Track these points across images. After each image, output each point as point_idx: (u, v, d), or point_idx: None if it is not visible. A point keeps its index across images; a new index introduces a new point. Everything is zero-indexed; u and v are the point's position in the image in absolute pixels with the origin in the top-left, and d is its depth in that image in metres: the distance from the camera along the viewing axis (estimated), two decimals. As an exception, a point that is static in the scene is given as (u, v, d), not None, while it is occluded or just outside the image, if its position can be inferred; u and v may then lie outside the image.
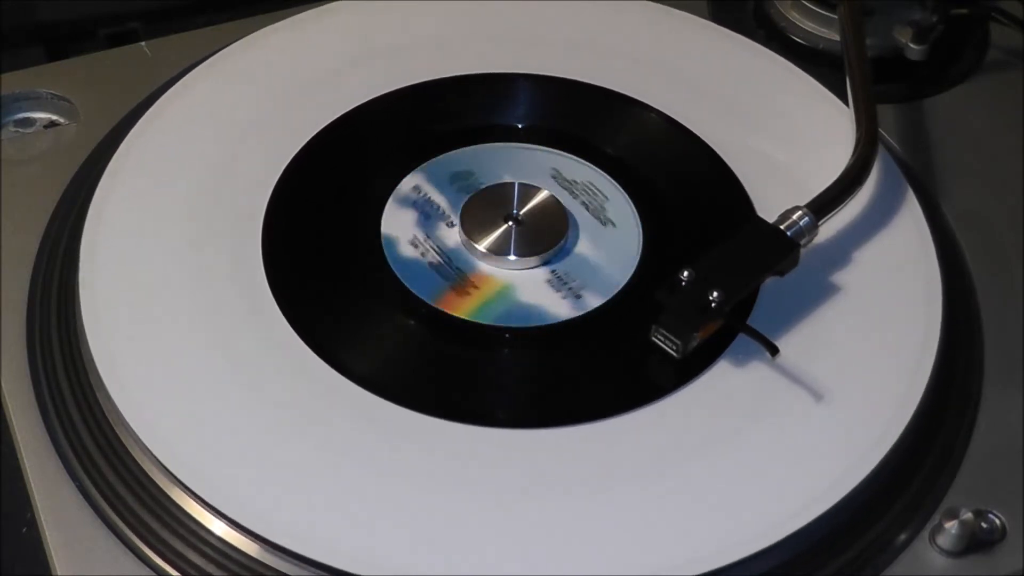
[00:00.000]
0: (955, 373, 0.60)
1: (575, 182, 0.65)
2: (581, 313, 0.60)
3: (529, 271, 0.61)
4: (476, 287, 0.61)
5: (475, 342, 0.59)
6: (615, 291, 0.60)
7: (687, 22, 0.73)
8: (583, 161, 0.66)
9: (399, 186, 0.64)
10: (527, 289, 0.61)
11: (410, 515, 0.53)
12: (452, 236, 0.63)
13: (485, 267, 0.62)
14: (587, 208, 0.64)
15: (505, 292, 0.61)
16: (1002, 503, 0.56)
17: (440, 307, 0.60)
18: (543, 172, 0.65)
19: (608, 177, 0.65)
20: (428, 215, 0.64)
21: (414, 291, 0.60)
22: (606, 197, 0.64)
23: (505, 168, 0.66)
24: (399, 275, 0.61)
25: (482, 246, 0.62)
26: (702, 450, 0.55)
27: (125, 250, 0.61)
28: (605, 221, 0.63)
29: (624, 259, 0.62)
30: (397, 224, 0.63)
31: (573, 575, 0.52)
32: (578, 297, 0.60)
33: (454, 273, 0.61)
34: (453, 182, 0.65)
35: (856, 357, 0.59)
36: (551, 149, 0.66)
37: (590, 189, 0.64)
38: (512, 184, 0.64)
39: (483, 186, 0.64)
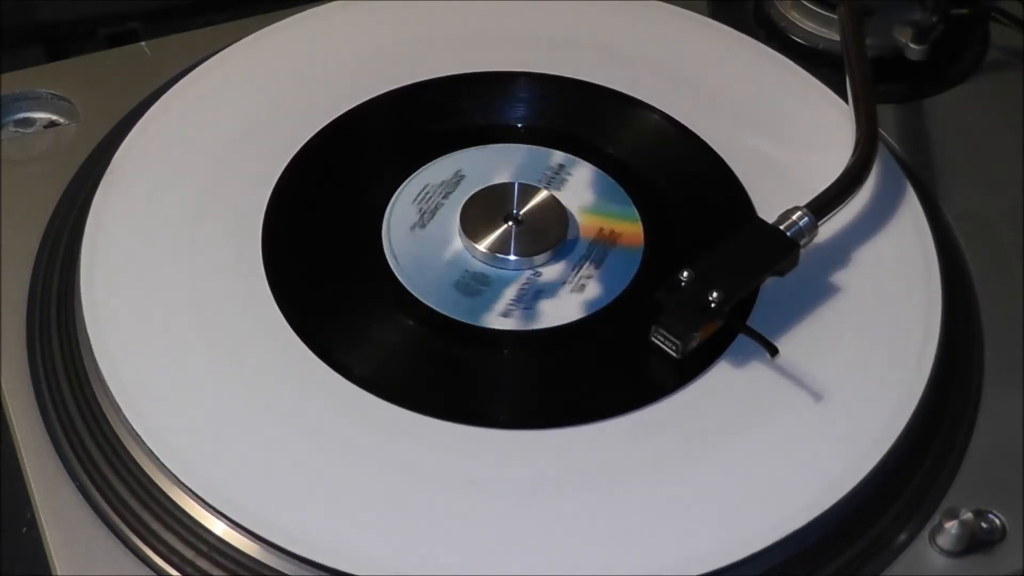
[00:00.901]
0: (955, 373, 0.60)
1: (572, 175, 0.65)
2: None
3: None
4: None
5: (475, 343, 0.59)
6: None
7: (688, 21, 0.73)
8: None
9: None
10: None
11: (410, 516, 0.53)
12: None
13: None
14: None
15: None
16: (1002, 503, 0.56)
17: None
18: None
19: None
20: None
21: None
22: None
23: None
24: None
25: (482, 246, 0.62)
26: (702, 450, 0.55)
27: (125, 250, 0.61)
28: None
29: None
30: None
31: (573, 575, 0.52)
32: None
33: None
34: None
35: (856, 357, 0.59)
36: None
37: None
38: (512, 184, 0.64)
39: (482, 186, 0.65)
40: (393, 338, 0.59)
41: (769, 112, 0.69)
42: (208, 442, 0.55)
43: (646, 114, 0.68)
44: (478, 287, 0.61)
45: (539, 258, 0.62)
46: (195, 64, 0.69)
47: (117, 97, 0.69)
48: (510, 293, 0.61)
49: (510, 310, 0.60)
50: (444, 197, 0.64)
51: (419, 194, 0.64)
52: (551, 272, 0.62)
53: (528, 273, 0.62)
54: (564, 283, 0.61)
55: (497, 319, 0.60)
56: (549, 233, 0.63)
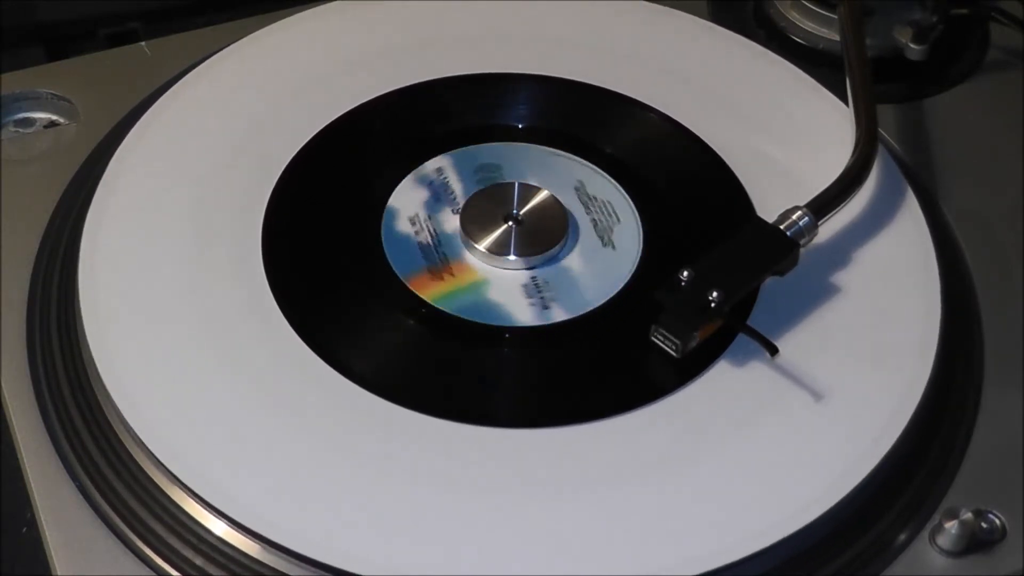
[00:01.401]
0: (955, 373, 0.60)
1: (594, 198, 0.64)
2: (542, 323, 0.59)
3: (511, 271, 0.61)
4: (452, 275, 0.61)
5: (476, 342, 0.59)
6: (584, 310, 0.60)
7: (687, 22, 0.73)
8: (611, 180, 0.65)
9: (423, 165, 0.65)
10: (500, 288, 0.61)
11: (410, 515, 0.53)
12: (453, 222, 0.63)
13: (469, 258, 0.62)
14: (595, 226, 0.63)
15: (477, 286, 0.61)
16: (1002, 503, 0.56)
17: (409, 285, 0.60)
18: (568, 182, 0.65)
19: (628, 200, 0.64)
20: (439, 198, 0.64)
21: (393, 265, 0.61)
22: (618, 220, 0.63)
23: (532, 170, 0.65)
24: (399, 276, 0.61)
25: (482, 246, 0.62)
26: (702, 450, 0.55)
27: (125, 250, 0.61)
28: (607, 243, 0.63)
29: (607, 283, 0.61)
30: (406, 199, 0.63)
31: (573, 575, 0.52)
32: (546, 308, 0.60)
33: (437, 257, 0.61)
34: (477, 172, 0.65)
35: (856, 357, 0.59)
36: (584, 161, 0.66)
37: (606, 209, 0.64)
38: (512, 184, 0.64)
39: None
40: (393, 337, 0.59)
41: (769, 112, 0.69)
42: (208, 442, 0.55)
43: (646, 114, 0.68)
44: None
45: (539, 258, 0.62)
46: (195, 64, 0.69)
47: (117, 97, 0.69)
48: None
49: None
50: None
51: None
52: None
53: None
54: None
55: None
56: (549, 233, 0.63)
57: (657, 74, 0.70)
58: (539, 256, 0.62)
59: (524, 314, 0.60)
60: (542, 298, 0.60)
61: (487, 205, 0.63)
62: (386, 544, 0.52)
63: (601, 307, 0.60)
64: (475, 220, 0.63)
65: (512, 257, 0.62)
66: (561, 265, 0.62)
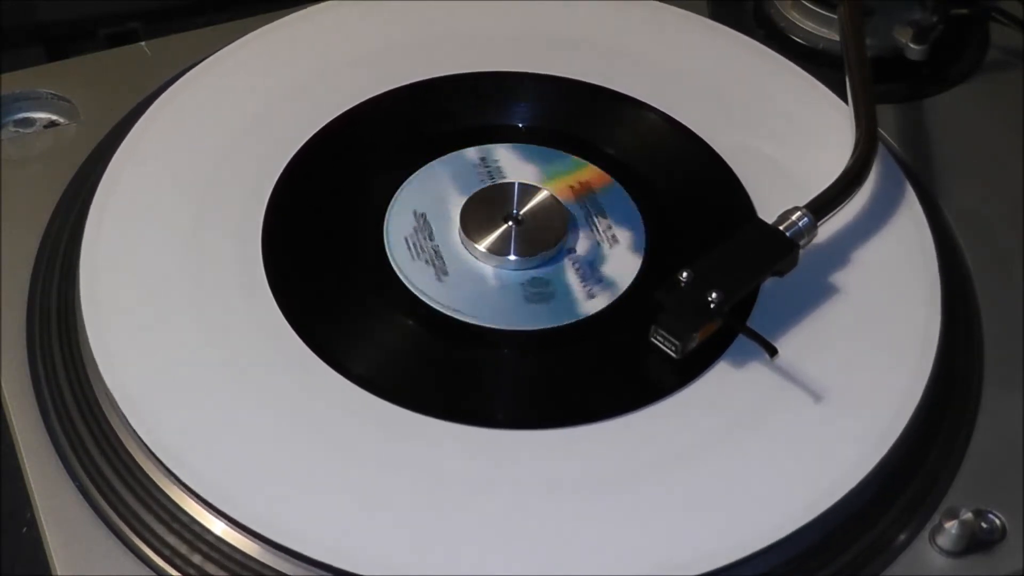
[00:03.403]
0: (955, 373, 0.60)
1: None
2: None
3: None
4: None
5: (476, 342, 0.59)
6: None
7: (687, 21, 0.73)
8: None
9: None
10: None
11: (410, 515, 0.53)
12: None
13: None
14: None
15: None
16: (1002, 503, 0.56)
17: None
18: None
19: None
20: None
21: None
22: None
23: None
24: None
25: (482, 246, 0.62)
26: (702, 450, 0.55)
27: (125, 250, 0.61)
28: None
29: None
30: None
31: (573, 575, 0.52)
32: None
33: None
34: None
35: (856, 357, 0.59)
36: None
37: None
38: (512, 184, 0.64)
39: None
40: (393, 337, 0.59)
41: (769, 112, 0.69)
42: (208, 442, 0.55)
43: (646, 114, 0.68)
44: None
45: (539, 258, 0.62)
46: (195, 64, 0.69)
47: (117, 97, 0.69)
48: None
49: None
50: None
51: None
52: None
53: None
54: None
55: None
56: (549, 233, 0.62)
57: (657, 74, 0.70)
58: (539, 256, 0.62)
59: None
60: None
61: (487, 205, 0.63)
62: (386, 544, 0.52)
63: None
64: (475, 220, 0.63)
65: (512, 257, 0.62)
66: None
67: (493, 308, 0.60)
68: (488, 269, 0.62)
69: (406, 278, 0.61)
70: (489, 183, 0.65)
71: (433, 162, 0.65)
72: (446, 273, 0.61)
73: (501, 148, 0.66)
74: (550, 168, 0.65)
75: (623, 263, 0.62)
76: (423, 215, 0.63)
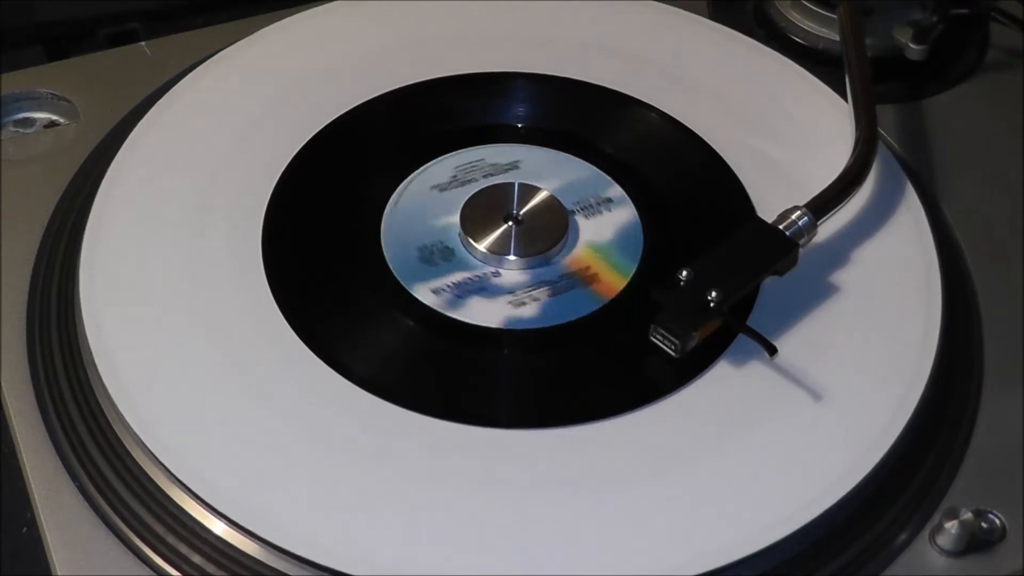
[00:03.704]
0: (955, 373, 0.60)
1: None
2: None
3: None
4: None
5: (475, 342, 0.59)
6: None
7: (687, 21, 0.73)
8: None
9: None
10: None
11: (410, 515, 0.53)
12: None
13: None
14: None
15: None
16: (1002, 503, 0.56)
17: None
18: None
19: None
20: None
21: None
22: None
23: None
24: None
25: (482, 246, 0.62)
26: (702, 450, 0.55)
27: (125, 250, 0.61)
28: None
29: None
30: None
31: (573, 575, 0.52)
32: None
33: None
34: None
35: (856, 357, 0.59)
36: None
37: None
38: (512, 184, 0.64)
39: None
40: (393, 338, 0.59)
41: (769, 112, 0.69)
42: (208, 442, 0.55)
43: (646, 114, 0.68)
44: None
45: (538, 258, 0.62)
46: (195, 64, 0.69)
47: (117, 97, 0.69)
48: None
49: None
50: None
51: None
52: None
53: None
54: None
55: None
56: (549, 233, 0.62)
57: (657, 73, 0.70)
58: (538, 256, 0.62)
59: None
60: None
61: (487, 205, 0.63)
62: (386, 544, 0.52)
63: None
64: (475, 220, 0.63)
65: (512, 257, 0.62)
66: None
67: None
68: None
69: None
70: (489, 183, 0.65)
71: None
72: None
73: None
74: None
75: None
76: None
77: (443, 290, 0.60)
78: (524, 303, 0.60)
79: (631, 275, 0.62)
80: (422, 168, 0.65)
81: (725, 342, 0.58)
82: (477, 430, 0.56)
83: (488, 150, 0.66)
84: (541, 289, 0.61)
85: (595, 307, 0.60)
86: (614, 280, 0.62)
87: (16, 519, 0.56)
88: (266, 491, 0.53)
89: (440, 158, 0.65)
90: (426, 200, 0.64)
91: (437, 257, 0.61)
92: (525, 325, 0.59)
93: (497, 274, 0.61)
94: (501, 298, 0.60)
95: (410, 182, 0.65)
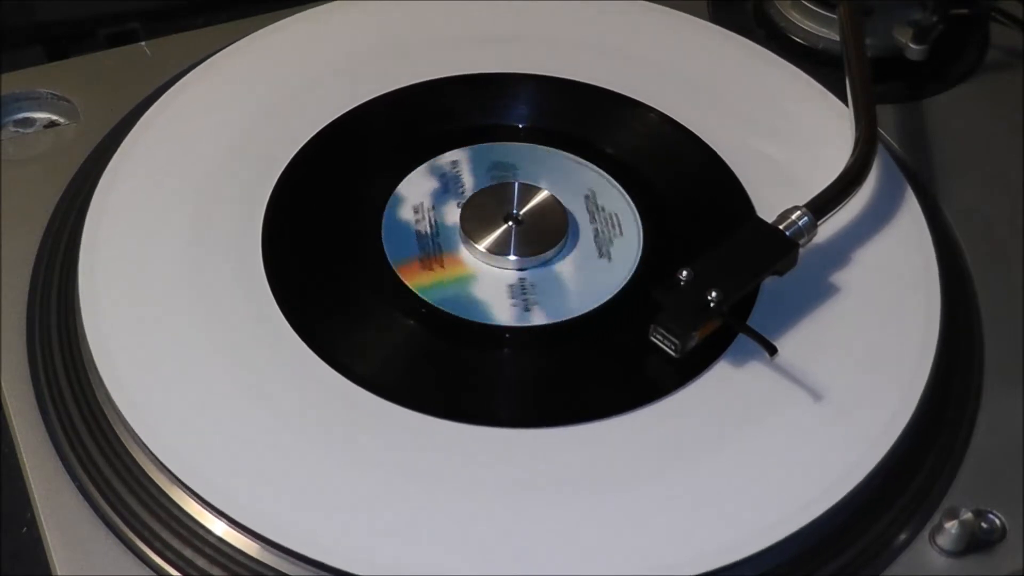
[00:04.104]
0: (955, 373, 0.60)
1: (602, 209, 0.64)
2: (521, 324, 0.59)
3: (500, 270, 0.61)
4: (442, 266, 0.61)
5: (476, 342, 0.59)
6: (564, 317, 0.60)
7: (687, 22, 0.73)
8: (623, 192, 0.65)
9: (440, 157, 0.65)
10: (485, 285, 0.61)
11: (410, 515, 0.53)
12: (455, 215, 0.63)
13: (463, 252, 0.62)
14: (596, 236, 0.63)
15: (463, 280, 0.61)
16: (1002, 503, 0.56)
17: (397, 272, 0.60)
18: (579, 189, 0.65)
19: (631, 205, 0.64)
20: (447, 189, 0.64)
21: (386, 250, 0.61)
22: (621, 234, 0.63)
23: (545, 173, 0.65)
24: (399, 275, 0.61)
25: (482, 246, 0.62)
26: (702, 450, 0.55)
27: (125, 250, 0.61)
28: (603, 254, 0.62)
29: (594, 294, 0.61)
30: (415, 187, 0.64)
31: (573, 575, 0.52)
32: (526, 310, 0.60)
33: (432, 247, 0.61)
34: (491, 170, 0.65)
35: (856, 357, 0.59)
36: (600, 170, 0.66)
37: (612, 220, 0.64)
38: (512, 184, 0.64)
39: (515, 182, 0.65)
40: (393, 337, 0.59)
41: (769, 112, 0.69)
42: (208, 442, 0.55)
43: (646, 114, 0.68)
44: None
45: (539, 258, 0.62)
46: (195, 64, 0.69)
47: (117, 97, 0.69)
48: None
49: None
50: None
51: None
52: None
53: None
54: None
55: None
56: (549, 233, 0.63)
57: (657, 74, 0.70)
58: (535, 258, 0.62)
59: (504, 314, 0.60)
60: (525, 300, 0.60)
61: (487, 205, 0.63)
62: (386, 544, 0.52)
63: (601, 307, 0.60)
64: (475, 220, 0.63)
65: (512, 257, 0.62)
66: (552, 270, 0.62)
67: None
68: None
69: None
70: (489, 183, 0.65)
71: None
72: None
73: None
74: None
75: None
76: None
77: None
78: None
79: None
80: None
81: (725, 342, 0.58)
82: (477, 430, 0.56)
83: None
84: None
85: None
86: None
87: (16, 519, 0.56)
88: (266, 491, 0.53)
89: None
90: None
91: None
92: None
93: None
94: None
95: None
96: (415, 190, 0.64)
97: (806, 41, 0.75)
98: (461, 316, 0.59)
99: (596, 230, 0.63)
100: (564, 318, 0.60)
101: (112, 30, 0.77)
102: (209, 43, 0.71)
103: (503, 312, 0.60)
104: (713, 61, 0.71)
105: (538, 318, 0.60)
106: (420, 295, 0.60)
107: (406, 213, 0.63)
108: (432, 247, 0.62)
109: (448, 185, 0.64)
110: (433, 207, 0.63)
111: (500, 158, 0.66)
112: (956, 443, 0.58)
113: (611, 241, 0.63)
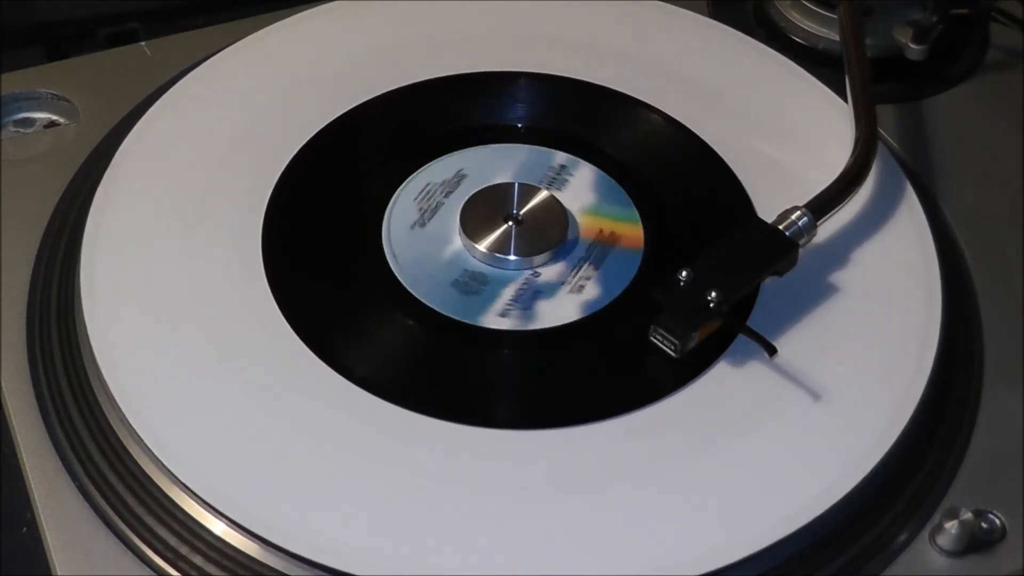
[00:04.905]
0: (955, 373, 0.60)
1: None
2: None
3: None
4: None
5: (475, 343, 0.59)
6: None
7: (688, 21, 0.73)
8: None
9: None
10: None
11: (409, 515, 0.53)
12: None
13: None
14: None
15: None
16: (1002, 503, 0.56)
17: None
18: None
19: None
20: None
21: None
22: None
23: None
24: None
25: (482, 246, 0.62)
26: (702, 450, 0.55)
27: (125, 250, 0.61)
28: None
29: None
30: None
31: (572, 575, 0.52)
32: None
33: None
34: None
35: (856, 357, 0.59)
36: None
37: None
38: (512, 184, 0.64)
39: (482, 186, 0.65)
40: (393, 338, 0.59)
41: (769, 112, 0.69)
42: (208, 442, 0.55)
43: (646, 114, 0.68)
44: (477, 287, 0.61)
45: (539, 258, 0.62)
46: (195, 64, 0.69)
47: (117, 97, 0.69)
48: (509, 293, 0.61)
49: (509, 310, 0.60)
50: (445, 196, 0.64)
51: (420, 193, 0.64)
52: (550, 272, 0.62)
53: (527, 273, 0.62)
54: (563, 283, 0.61)
55: (496, 319, 0.60)
56: (549, 233, 0.63)
57: (658, 74, 0.70)
58: (538, 256, 0.62)
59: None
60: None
61: (487, 205, 0.63)
62: (386, 544, 0.52)
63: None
64: (475, 219, 0.63)
65: (512, 257, 0.62)
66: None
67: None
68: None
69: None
70: (484, 185, 0.65)
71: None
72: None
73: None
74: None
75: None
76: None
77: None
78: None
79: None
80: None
81: (725, 342, 0.58)
82: (477, 430, 0.56)
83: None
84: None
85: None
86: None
87: (16, 519, 0.56)
88: (266, 491, 0.53)
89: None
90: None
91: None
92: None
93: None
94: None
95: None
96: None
97: (806, 41, 0.75)
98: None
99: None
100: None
101: (112, 30, 0.77)
102: (209, 43, 0.71)
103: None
104: (714, 60, 0.71)
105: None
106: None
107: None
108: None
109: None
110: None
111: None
112: (956, 443, 0.58)
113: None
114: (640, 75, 0.70)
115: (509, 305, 0.60)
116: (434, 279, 0.61)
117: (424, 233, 0.63)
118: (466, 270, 0.61)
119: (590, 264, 0.62)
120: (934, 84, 0.72)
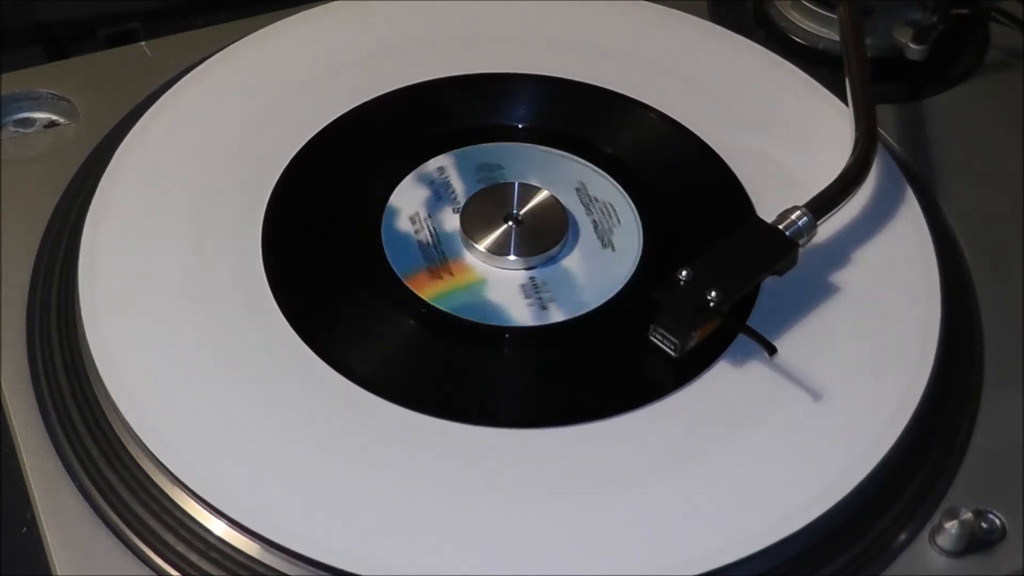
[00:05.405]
0: (955, 373, 0.60)
1: (595, 199, 0.64)
2: (541, 324, 0.59)
3: (509, 271, 0.61)
4: (451, 274, 0.61)
5: (475, 342, 0.59)
6: (582, 311, 0.60)
7: (687, 22, 0.73)
8: (612, 182, 0.65)
9: (425, 164, 0.65)
10: (498, 288, 0.61)
11: (410, 515, 0.53)
12: (453, 221, 0.63)
13: (469, 257, 0.62)
14: (595, 227, 0.63)
15: (476, 286, 0.61)
16: (1002, 503, 0.56)
17: (407, 284, 0.60)
18: (569, 182, 0.65)
19: (628, 201, 0.64)
20: (440, 196, 0.64)
21: (392, 264, 0.61)
22: (619, 222, 0.63)
23: (533, 170, 0.65)
24: (386, 250, 0.61)
25: (482, 246, 0.62)
26: (702, 450, 0.55)
27: (125, 250, 0.61)
28: (606, 244, 0.63)
29: (606, 285, 0.61)
30: (407, 199, 0.64)
31: (573, 575, 0.52)
32: (544, 308, 0.60)
33: (437, 256, 0.61)
34: (479, 172, 0.65)
35: (856, 357, 0.59)
36: (586, 162, 0.66)
37: (607, 210, 0.64)
38: (512, 184, 0.64)
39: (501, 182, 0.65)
40: (393, 337, 0.59)
41: (769, 112, 0.69)
42: (208, 442, 0.55)
43: (646, 114, 0.68)
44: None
45: (538, 258, 0.62)
46: (195, 64, 0.69)
47: (117, 97, 0.69)
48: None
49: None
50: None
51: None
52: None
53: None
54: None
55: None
56: (549, 233, 0.63)
57: (657, 74, 0.70)
58: (539, 256, 0.62)
59: (522, 314, 0.60)
60: (540, 298, 0.60)
61: (487, 205, 0.63)
62: (386, 544, 0.52)
63: (600, 307, 0.60)
64: (475, 220, 0.63)
65: (512, 257, 0.62)
66: (560, 266, 0.62)
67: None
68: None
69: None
70: (489, 183, 0.65)
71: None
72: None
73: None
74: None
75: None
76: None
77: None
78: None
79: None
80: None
81: (725, 342, 0.58)
82: (477, 430, 0.56)
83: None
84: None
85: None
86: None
87: (16, 519, 0.56)
88: (266, 491, 0.53)
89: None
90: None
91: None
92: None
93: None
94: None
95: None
96: (406, 201, 0.64)
97: (806, 41, 0.75)
98: (479, 321, 0.59)
99: (594, 221, 0.63)
100: (581, 312, 0.60)
101: (112, 30, 0.77)
102: (209, 43, 0.71)
103: (521, 313, 0.60)
104: (713, 61, 0.71)
105: (557, 315, 0.60)
106: (435, 305, 0.60)
107: (403, 224, 0.63)
108: (437, 256, 0.62)
109: (439, 192, 0.64)
110: (429, 216, 0.63)
111: (486, 159, 0.66)
112: (956, 443, 0.58)
113: (611, 231, 0.63)
114: (640, 76, 0.70)
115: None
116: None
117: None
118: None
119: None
120: (934, 84, 0.72)
